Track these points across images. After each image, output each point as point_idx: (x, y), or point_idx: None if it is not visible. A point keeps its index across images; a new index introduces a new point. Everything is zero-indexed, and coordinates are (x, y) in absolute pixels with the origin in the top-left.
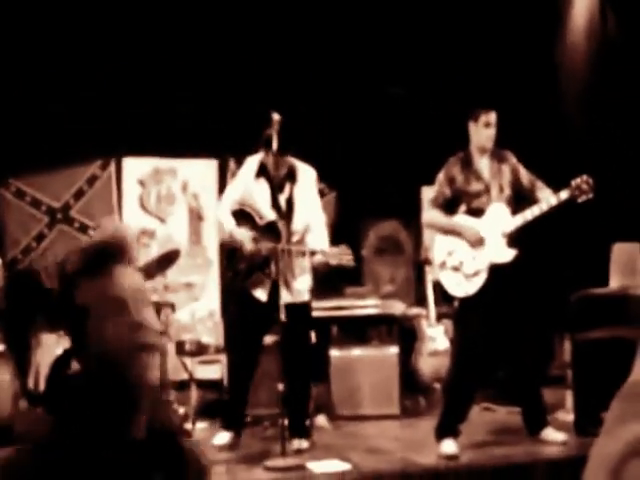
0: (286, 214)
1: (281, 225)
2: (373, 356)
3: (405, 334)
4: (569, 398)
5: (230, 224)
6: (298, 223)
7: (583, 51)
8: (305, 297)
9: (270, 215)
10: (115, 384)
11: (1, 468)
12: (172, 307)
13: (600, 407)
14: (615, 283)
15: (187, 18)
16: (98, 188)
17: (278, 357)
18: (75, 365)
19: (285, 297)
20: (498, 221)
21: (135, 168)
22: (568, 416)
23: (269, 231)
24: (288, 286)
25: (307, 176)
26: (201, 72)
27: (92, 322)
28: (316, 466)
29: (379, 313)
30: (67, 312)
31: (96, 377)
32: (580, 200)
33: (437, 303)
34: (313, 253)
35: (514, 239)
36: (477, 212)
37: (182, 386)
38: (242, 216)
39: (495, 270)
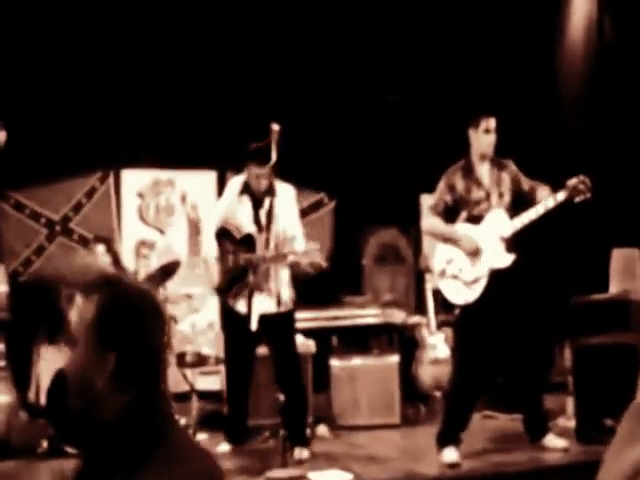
0: (266, 227)
1: (258, 236)
2: (373, 365)
3: (405, 343)
4: (570, 404)
5: (206, 249)
6: (277, 234)
7: (581, 55)
8: (289, 307)
9: (250, 229)
10: None
11: None
12: (173, 319)
13: (601, 413)
14: (615, 288)
15: (188, 29)
16: (97, 200)
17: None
18: None
19: (265, 307)
20: (497, 227)
21: (134, 180)
22: (569, 422)
23: (246, 243)
24: (270, 294)
25: (286, 191)
26: (200, 84)
27: None
28: (317, 476)
29: (379, 322)
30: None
31: None
32: (578, 200)
33: (437, 311)
34: (285, 256)
35: (513, 244)
36: (478, 219)
37: (183, 397)
38: (224, 233)
39: (495, 276)
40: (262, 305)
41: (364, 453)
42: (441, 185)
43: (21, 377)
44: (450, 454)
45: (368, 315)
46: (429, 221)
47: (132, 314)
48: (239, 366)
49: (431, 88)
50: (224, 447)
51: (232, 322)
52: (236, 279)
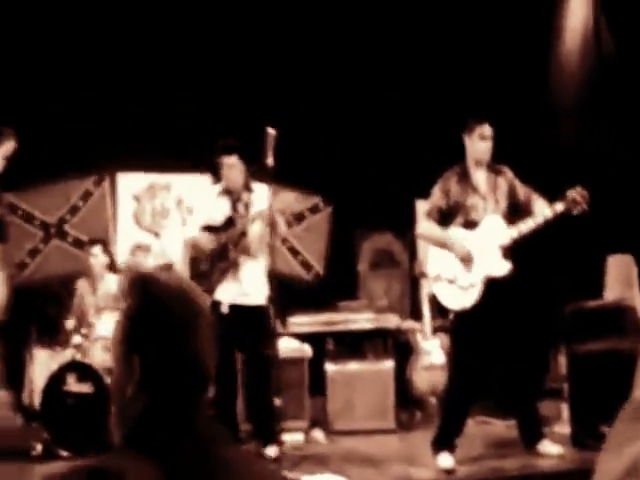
0: (244, 215)
1: (239, 219)
2: (368, 370)
3: (400, 348)
4: (565, 411)
5: (192, 236)
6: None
7: (577, 62)
8: (261, 301)
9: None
10: None
11: None
12: None
13: (597, 419)
14: (610, 295)
15: (187, 30)
16: (93, 203)
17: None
18: (71, 380)
19: (237, 295)
20: (493, 233)
21: (129, 183)
22: (564, 429)
23: (227, 225)
24: (242, 284)
25: (262, 189)
26: (197, 87)
27: None
28: None
29: (374, 327)
30: None
31: None
32: (575, 212)
33: (433, 317)
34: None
35: (509, 252)
36: (473, 224)
37: None
38: (205, 229)
39: (490, 283)
40: (234, 292)
41: (359, 457)
42: (436, 190)
43: (15, 380)
44: (445, 459)
45: (363, 320)
46: (424, 226)
47: (157, 316)
48: (224, 368)
49: (427, 92)
50: None
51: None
52: (216, 257)
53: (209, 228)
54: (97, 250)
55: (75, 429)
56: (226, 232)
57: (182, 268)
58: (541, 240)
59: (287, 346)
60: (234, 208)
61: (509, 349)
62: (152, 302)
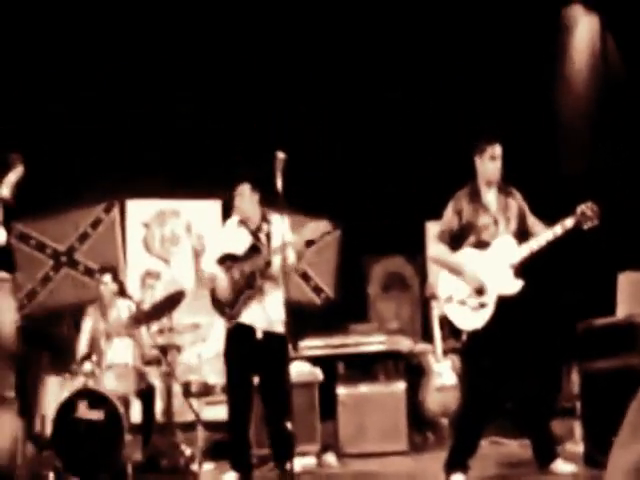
0: (267, 245)
1: (263, 247)
2: (380, 392)
3: (412, 370)
4: (578, 429)
5: (210, 270)
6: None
7: (585, 78)
8: (280, 328)
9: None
10: None
11: None
12: (178, 349)
13: (610, 438)
14: (622, 312)
15: (192, 52)
16: (102, 231)
17: None
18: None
19: (266, 324)
20: (505, 253)
21: (139, 211)
22: (577, 447)
23: (251, 252)
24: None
25: (280, 220)
26: (205, 114)
27: None
28: None
29: (385, 349)
30: None
31: None
32: (586, 227)
33: (444, 338)
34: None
35: (521, 270)
36: (484, 245)
37: (189, 427)
38: (226, 257)
39: (502, 302)
40: (261, 319)
41: None
42: (448, 210)
43: (26, 408)
44: None
45: (374, 342)
46: (436, 250)
47: None
48: (242, 392)
49: (436, 115)
50: (230, 476)
51: (236, 341)
52: (242, 287)
53: (231, 257)
54: (107, 278)
55: (86, 456)
56: (251, 260)
57: (196, 293)
58: (553, 258)
59: (298, 370)
60: (256, 238)
61: (522, 368)
62: None
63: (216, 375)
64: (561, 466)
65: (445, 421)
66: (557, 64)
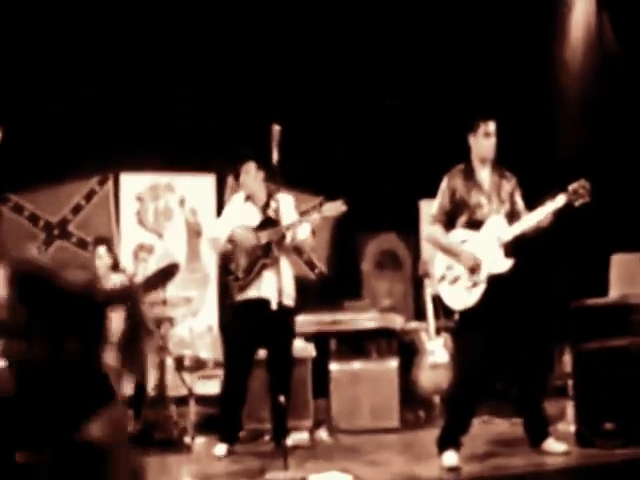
0: (276, 220)
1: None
2: (373, 370)
3: (404, 348)
4: (570, 409)
5: (226, 231)
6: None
7: (581, 57)
8: (291, 302)
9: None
10: None
11: None
12: (170, 322)
13: (601, 417)
14: (615, 293)
15: (188, 30)
16: (96, 203)
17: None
18: None
19: (276, 294)
20: (496, 232)
21: (133, 184)
22: (569, 427)
23: (266, 224)
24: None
25: (286, 199)
26: (198, 86)
27: None
28: (317, 478)
29: (378, 326)
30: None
31: None
32: (577, 204)
33: (436, 316)
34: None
35: (512, 249)
36: (477, 224)
37: (181, 401)
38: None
39: (494, 281)
40: (275, 291)
41: (364, 456)
42: (443, 187)
43: None
44: (450, 458)
45: (367, 319)
46: (430, 230)
47: None
48: (242, 367)
49: (430, 92)
50: (221, 448)
51: (244, 316)
52: (257, 257)
53: (245, 228)
54: (102, 251)
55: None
56: (267, 231)
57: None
58: (546, 238)
59: None
60: (265, 213)
61: (514, 347)
62: None
63: (206, 350)
64: (553, 445)
65: (437, 399)
66: (553, 43)
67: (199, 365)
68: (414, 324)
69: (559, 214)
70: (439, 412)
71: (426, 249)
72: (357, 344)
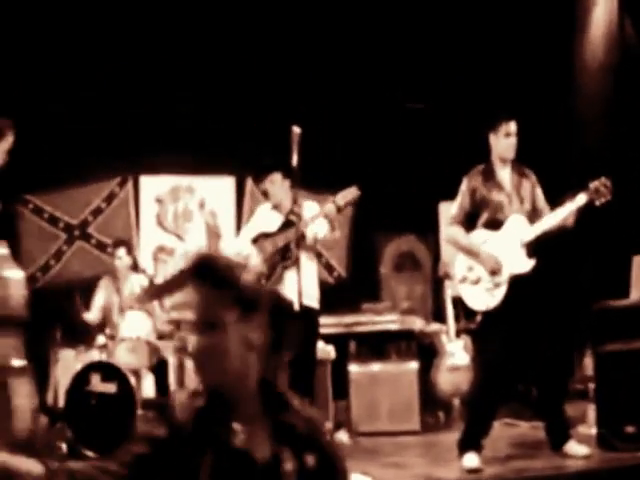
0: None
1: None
2: (392, 372)
3: (424, 350)
4: (591, 412)
5: (247, 246)
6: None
7: (602, 57)
8: (315, 304)
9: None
10: None
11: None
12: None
13: (623, 420)
14: (636, 294)
15: (209, 34)
16: (116, 206)
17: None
18: (95, 380)
19: (298, 295)
20: (517, 232)
21: (153, 186)
22: (590, 430)
23: (284, 227)
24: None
25: (311, 206)
26: (219, 90)
27: None
28: None
29: (398, 329)
30: None
31: None
32: (599, 203)
33: (457, 318)
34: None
35: (534, 249)
36: (498, 223)
37: None
38: (259, 236)
39: (515, 282)
40: (295, 291)
41: (384, 459)
42: (463, 188)
43: (39, 381)
44: (471, 459)
45: (387, 321)
46: (450, 232)
47: None
48: None
49: (450, 94)
50: None
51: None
52: (277, 260)
53: (264, 235)
54: (122, 252)
55: (99, 429)
56: (284, 234)
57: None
58: (567, 239)
59: None
60: (287, 217)
61: (535, 349)
62: None
63: None
64: (574, 448)
65: (457, 401)
66: (574, 42)
67: None
68: (434, 326)
69: (582, 213)
70: (459, 414)
71: (446, 250)
72: (377, 346)
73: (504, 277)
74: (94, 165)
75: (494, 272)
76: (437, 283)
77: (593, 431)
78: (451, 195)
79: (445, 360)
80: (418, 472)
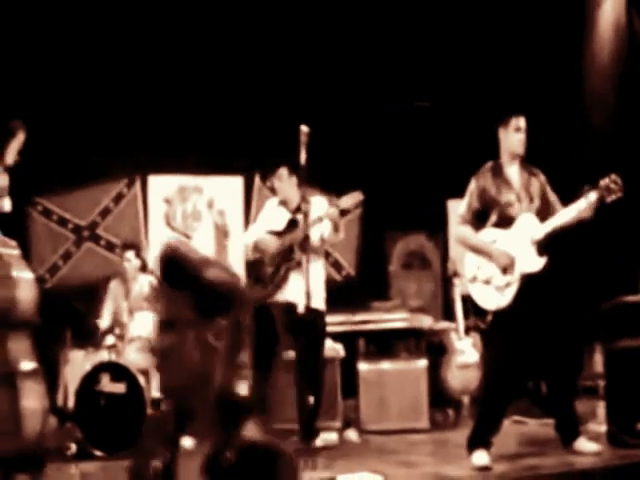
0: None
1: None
2: (402, 370)
3: (433, 348)
4: (600, 409)
5: (252, 238)
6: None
7: (610, 54)
8: (321, 305)
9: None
10: None
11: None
12: None
13: (633, 417)
14: None
15: (214, 35)
16: (124, 206)
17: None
18: (104, 380)
19: (302, 297)
20: (528, 230)
21: (161, 186)
22: (600, 427)
23: (290, 227)
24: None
25: (320, 202)
26: (226, 90)
27: None
28: (347, 479)
29: (407, 327)
30: None
31: None
32: (609, 200)
33: (465, 316)
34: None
35: (544, 247)
36: (508, 222)
37: None
38: (265, 234)
39: (526, 280)
40: (301, 293)
41: (394, 457)
42: (472, 187)
43: (49, 382)
44: (481, 457)
45: (396, 319)
46: (460, 231)
47: None
48: (260, 372)
49: (459, 92)
50: None
51: (267, 321)
52: (282, 260)
53: (270, 233)
54: (131, 255)
55: (109, 429)
56: (290, 234)
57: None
58: (577, 236)
59: None
60: (294, 215)
61: (546, 347)
62: None
63: None
64: (585, 445)
65: (466, 399)
66: (582, 40)
67: None
68: (443, 324)
69: (598, 208)
70: (468, 412)
71: (455, 248)
72: (386, 344)
73: (515, 276)
74: (102, 166)
75: (506, 269)
76: (446, 281)
77: (603, 428)
78: (460, 193)
79: (454, 358)
80: (427, 470)
